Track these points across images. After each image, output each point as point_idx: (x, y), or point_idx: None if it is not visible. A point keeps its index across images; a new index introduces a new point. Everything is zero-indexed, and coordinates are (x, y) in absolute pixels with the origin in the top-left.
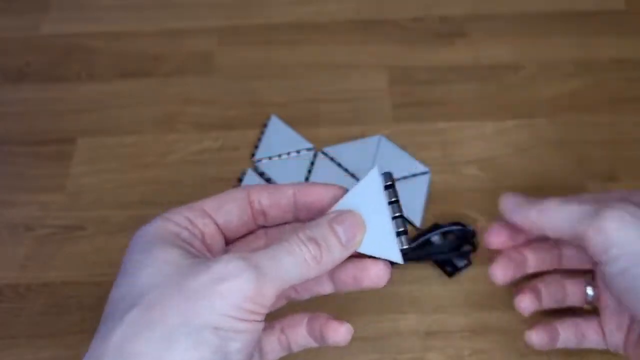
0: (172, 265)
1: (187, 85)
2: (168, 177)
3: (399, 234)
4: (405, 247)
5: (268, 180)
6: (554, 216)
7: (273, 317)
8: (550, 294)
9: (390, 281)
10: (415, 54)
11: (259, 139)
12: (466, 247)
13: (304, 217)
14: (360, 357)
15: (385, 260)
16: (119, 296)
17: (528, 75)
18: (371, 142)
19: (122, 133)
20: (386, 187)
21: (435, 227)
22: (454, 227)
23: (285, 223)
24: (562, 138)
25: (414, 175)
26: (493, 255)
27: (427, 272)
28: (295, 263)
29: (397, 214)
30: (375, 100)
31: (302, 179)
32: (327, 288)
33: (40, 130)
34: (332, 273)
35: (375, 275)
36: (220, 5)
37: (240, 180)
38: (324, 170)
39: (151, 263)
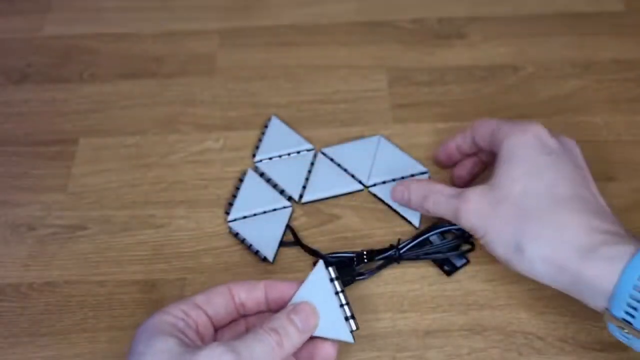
0: (167, 353)
1: (188, 86)
2: (169, 177)
3: (347, 318)
4: (354, 329)
5: (268, 181)
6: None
7: None
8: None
9: (389, 280)
10: (414, 55)
11: (260, 140)
12: (465, 247)
13: (273, 308)
14: (360, 355)
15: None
16: None
17: (526, 76)
18: (371, 142)
19: (123, 133)
20: (331, 280)
21: (433, 227)
22: (453, 227)
23: (260, 312)
24: None
25: (413, 175)
26: None
27: (427, 271)
28: (263, 349)
29: (344, 302)
30: (375, 101)
31: (303, 179)
32: None
33: (42, 130)
34: (295, 353)
35: (326, 352)
36: (221, 7)
37: (241, 180)
38: (324, 170)
39: (151, 353)
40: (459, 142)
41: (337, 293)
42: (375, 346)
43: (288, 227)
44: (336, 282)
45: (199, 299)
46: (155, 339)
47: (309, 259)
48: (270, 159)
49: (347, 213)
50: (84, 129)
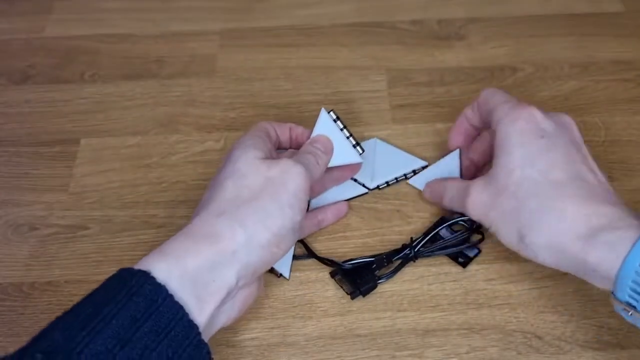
0: (258, 160)
1: (189, 86)
2: (171, 177)
3: (354, 145)
4: (361, 152)
5: None
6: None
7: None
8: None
9: (390, 280)
10: (413, 56)
11: None
12: (475, 237)
13: (294, 146)
14: (359, 354)
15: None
16: (224, 174)
17: (525, 77)
18: (367, 145)
19: (125, 134)
20: (334, 120)
21: (442, 221)
22: (461, 219)
23: (286, 149)
24: None
25: (414, 170)
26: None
27: (426, 270)
28: (312, 163)
29: (348, 135)
30: (374, 102)
31: None
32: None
33: (44, 131)
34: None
35: (339, 208)
36: (222, 8)
37: None
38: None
39: (245, 157)
40: (469, 116)
41: (341, 129)
42: (375, 345)
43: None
44: (339, 122)
45: (275, 124)
46: (250, 148)
47: (323, 268)
48: None
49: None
50: (85, 130)
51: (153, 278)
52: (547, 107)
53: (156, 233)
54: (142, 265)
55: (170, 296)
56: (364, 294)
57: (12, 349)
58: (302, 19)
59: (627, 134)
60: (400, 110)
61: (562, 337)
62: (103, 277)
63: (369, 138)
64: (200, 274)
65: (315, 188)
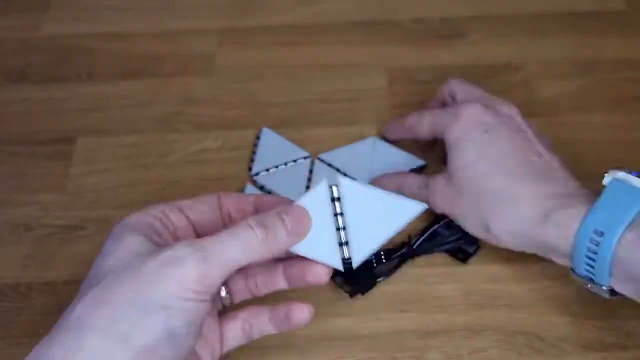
0: (132, 252)
1: (187, 85)
2: (168, 177)
3: (341, 244)
4: (347, 257)
5: (269, 193)
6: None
7: (237, 309)
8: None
9: (390, 280)
10: (415, 55)
11: (254, 153)
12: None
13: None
14: (360, 355)
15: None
16: (89, 278)
17: (527, 76)
18: (366, 144)
19: (122, 133)
20: (333, 200)
21: (439, 218)
22: None
23: None
24: (561, 138)
25: (413, 170)
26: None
27: (427, 272)
28: (241, 246)
29: (341, 226)
30: (375, 101)
31: (304, 187)
32: (281, 284)
33: (40, 130)
34: (285, 269)
35: (317, 273)
36: (220, 6)
37: None
38: (324, 177)
39: (116, 250)
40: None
41: (336, 215)
42: (376, 346)
43: None
44: (337, 204)
45: (184, 203)
46: (126, 236)
47: None
48: (268, 171)
49: None
50: (82, 129)
51: None
52: (551, 106)
53: None
54: None
55: None
56: (364, 292)
57: (9, 350)
58: (302, 17)
59: (631, 134)
60: (401, 108)
61: (564, 339)
62: None
63: (368, 137)
64: None
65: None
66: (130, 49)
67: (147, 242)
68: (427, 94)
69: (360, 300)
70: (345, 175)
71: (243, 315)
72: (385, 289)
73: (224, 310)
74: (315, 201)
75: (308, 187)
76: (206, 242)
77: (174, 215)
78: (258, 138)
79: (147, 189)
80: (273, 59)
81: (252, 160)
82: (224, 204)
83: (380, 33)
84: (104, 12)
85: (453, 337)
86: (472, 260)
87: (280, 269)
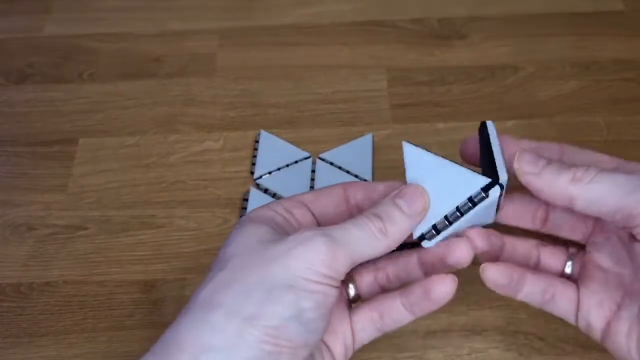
0: (257, 238)
1: (188, 86)
2: (169, 177)
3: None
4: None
5: (274, 196)
6: (594, 188)
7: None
8: (520, 258)
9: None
10: (414, 55)
11: (254, 156)
12: None
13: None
14: (360, 356)
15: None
16: (214, 262)
17: (526, 76)
18: (365, 140)
19: (123, 134)
20: (471, 201)
21: None
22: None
23: None
24: (560, 138)
25: None
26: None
27: None
28: (364, 236)
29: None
30: (374, 101)
31: (307, 187)
32: (416, 273)
33: (42, 130)
34: (420, 258)
35: (460, 252)
36: (221, 7)
37: (245, 200)
38: (327, 176)
39: (240, 238)
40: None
41: (459, 210)
42: (376, 347)
43: None
44: (470, 205)
45: (307, 197)
46: (249, 225)
47: None
48: (270, 173)
49: None
50: (84, 129)
51: None
52: (549, 107)
53: (155, 233)
54: None
55: None
56: None
57: (10, 350)
58: (302, 17)
59: (629, 134)
60: (400, 109)
61: (564, 339)
62: (102, 278)
63: (363, 137)
64: None
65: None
66: (132, 49)
67: (272, 231)
68: (426, 94)
69: (360, 300)
70: (348, 172)
71: (371, 304)
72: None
73: (350, 306)
74: (416, 162)
75: (312, 187)
76: (331, 228)
77: (298, 211)
78: (257, 141)
79: (149, 189)
80: (273, 59)
81: (253, 164)
82: (351, 195)
83: (379, 34)
84: (106, 13)
85: (453, 337)
86: (471, 262)
87: (413, 256)
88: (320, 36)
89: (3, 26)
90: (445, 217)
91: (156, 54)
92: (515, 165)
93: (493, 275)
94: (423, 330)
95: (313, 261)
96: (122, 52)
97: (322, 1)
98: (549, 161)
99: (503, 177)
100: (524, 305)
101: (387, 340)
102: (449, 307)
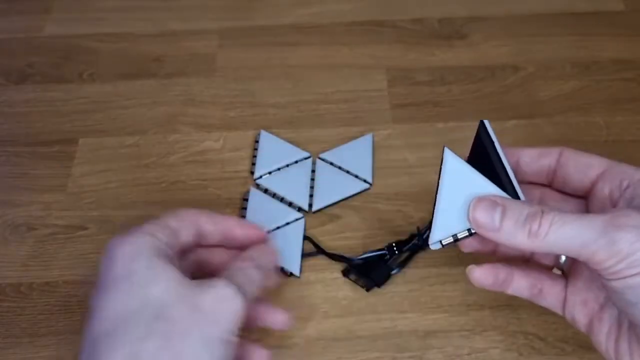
0: (174, 282)
1: (188, 86)
2: (169, 177)
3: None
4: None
5: (274, 196)
6: (551, 240)
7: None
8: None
9: (390, 281)
10: (414, 55)
11: (254, 156)
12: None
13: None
14: (360, 356)
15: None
16: (136, 304)
17: (527, 76)
18: (365, 140)
19: (123, 133)
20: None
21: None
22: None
23: (215, 246)
24: (560, 138)
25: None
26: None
27: (427, 272)
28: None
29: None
30: (375, 101)
31: (307, 188)
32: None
33: (42, 130)
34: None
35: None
36: (221, 7)
37: (245, 200)
38: (327, 175)
39: (161, 279)
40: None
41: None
42: (376, 347)
43: (306, 237)
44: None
45: (173, 224)
46: (161, 264)
47: (323, 269)
48: (270, 173)
49: (347, 213)
50: (84, 129)
51: None
52: (549, 106)
53: None
54: None
55: None
56: (380, 285)
57: (10, 350)
58: (301, 17)
59: (629, 134)
60: (400, 109)
61: (564, 339)
62: None
63: (363, 136)
64: None
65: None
66: (132, 49)
67: (179, 273)
68: (426, 94)
69: (361, 301)
70: (348, 172)
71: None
72: (385, 289)
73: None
74: (454, 176)
75: (312, 187)
76: (242, 282)
77: (173, 241)
78: (257, 141)
79: (149, 189)
80: (273, 59)
81: (253, 164)
82: (203, 223)
83: (379, 34)
84: (106, 13)
85: (453, 338)
86: (472, 262)
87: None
88: (320, 36)
89: (3, 26)
90: (468, 230)
91: (156, 54)
92: (470, 217)
93: (479, 276)
94: (423, 330)
95: (235, 317)
96: (122, 52)
97: (322, 1)
98: (505, 210)
99: (522, 197)
100: (524, 306)
101: (387, 340)
102: (450, 307)
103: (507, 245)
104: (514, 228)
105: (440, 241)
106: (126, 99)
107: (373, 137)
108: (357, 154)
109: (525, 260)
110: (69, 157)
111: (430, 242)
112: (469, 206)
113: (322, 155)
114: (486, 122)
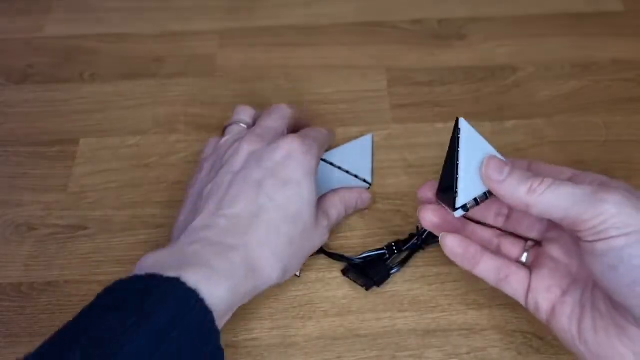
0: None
1: (188, 86)
2: (170, 177)
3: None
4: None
5: None
6: (546, 198)
7: None
8: (480, 242)
9: (390, 280)
10: (414, 56)
11: None
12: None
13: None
14: (359, 355)
15: None
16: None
17: (526, 76)
18: (365, 140)
19: (124, 134)
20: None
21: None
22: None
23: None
24: (559, 138)
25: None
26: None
27: (426, 270)
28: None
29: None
30: (374, 101)
31: None
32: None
33: (43, 131)
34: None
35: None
36: (221, 7)
37: None
38: (327, 176)
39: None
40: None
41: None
42: (375, 346)
43: None
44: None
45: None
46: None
47: (323, 268)
48: None
49: None
50: (84, 129)
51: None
52: (549, 107)
53: (156, 233)
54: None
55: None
56: (379, 284)
57: (10, 349)
58: (302, 18)
59: (628, 134)
60: (400, 110)
61: None
62: (102, 278)
63: (363, 137)
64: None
65: None
66: (132, 49)
67: None
68: (426, 95)
69: (360, 300)
70: (348, 172)
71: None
72: (384, 288)
73: None
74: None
75: None
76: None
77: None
78: None
79: (149, 189)
80: (273, 59)
81: None
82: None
83: (379, 34)
84: (106, 13)
85: (452, 337)
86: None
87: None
88: (320, 36)
89: (3, 26)
90: (485, 193)
91: (156, 54)
92: (482, 171)
93: (450, 243)
94: (422, 329)
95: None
96: (122, 53)
97: (322, 1)
98: (513, 169)
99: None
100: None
101: (386, 339)
102: (449, 306)
103: (507, 200)
104: (517, 182)
105: (466, 205)
106: (127, 99)
107: (373, 137)
108: (357, 154)
109: (493, 252)
110: (70, 157)
111: (456, 209)
112: (482, 163)
113: (322, 156)
114: (461, 119)
